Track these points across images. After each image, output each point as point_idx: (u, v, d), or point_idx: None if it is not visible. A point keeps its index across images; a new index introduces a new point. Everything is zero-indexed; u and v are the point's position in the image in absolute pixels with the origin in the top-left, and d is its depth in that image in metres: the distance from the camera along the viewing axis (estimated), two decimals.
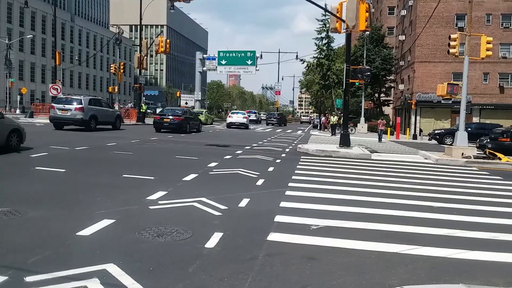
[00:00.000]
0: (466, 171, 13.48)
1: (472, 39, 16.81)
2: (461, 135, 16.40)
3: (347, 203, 7.38)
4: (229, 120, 39.64)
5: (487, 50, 16.17)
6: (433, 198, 8.30)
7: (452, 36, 16.53)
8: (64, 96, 25.34)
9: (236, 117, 39.54)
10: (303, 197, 7.76)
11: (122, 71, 41.39)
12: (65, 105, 21.80)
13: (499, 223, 6.57)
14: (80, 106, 21.73)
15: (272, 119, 55.46)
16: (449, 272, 4.44)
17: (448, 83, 17.14)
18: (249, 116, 47.93)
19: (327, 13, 15.87)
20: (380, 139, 27.88)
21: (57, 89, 34.18)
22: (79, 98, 22.99)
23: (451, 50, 16.29)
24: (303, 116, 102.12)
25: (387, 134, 33.53)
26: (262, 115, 67.49)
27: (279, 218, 6.17)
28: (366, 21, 15.23)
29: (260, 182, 9.13)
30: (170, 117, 25.19)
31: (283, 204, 7.09)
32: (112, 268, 3.95)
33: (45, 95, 72.77)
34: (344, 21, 15.43)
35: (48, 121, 23.50)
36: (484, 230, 6.09)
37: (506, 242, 5.63)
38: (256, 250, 4.77)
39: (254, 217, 6.30)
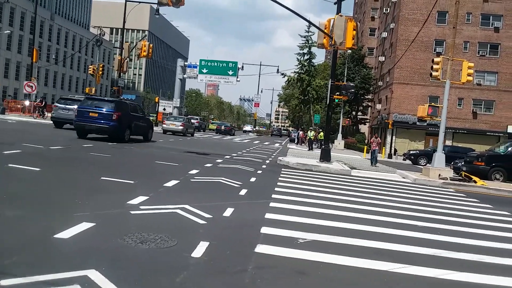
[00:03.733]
0: (443, 192, 13.63)
1: (446, 65, 17.13)
2: (439, 157, 16.66)
3: (333, 218, 7.27)
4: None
5: (468, 75, 16.57)
6: (416, 217, 8.30)
7: (435, 59, 16.88)
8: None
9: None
10: (288, 209, 7.62)
11: (100, 72, 40.65)
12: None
13: (483, 245, 6.57)
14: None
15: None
16: None
17: (429, 105, 17.46)
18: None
19: (315, 29, 15.96)
20: (374, 162, 22.30)
21: (31, 86, 33.28)
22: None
23: (434, 73, 16.62)
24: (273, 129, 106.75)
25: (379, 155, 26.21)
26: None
27: (265, 230, 6.00)
28: (353, 39, 15.38)
29: (243, 192, 8.95)
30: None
31: (268, 215, 6.93)
32: (94, 275, 3.69)
33: (18, 92, 70.80)
34: (331, 38, 15.55)
35: (17, 118, 22.91)
36: (469, 251, 6.07)
37: (494, 265, 5.61)
38: (244, 261, 4.59)
39: (239, 227, 6.12)
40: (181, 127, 33.82)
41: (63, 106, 23.33)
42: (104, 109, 17.29)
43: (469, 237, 7.07)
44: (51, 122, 24.69)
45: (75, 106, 19.32)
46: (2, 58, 73.54)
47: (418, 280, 4.66)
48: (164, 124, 35.43)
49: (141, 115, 20.41)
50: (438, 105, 18.14)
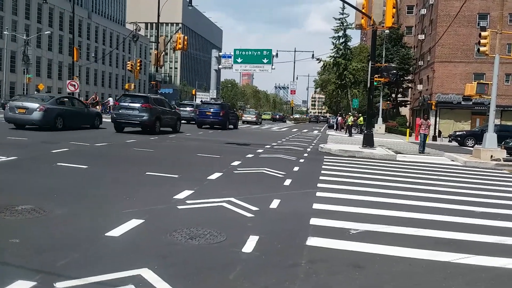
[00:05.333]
0: (497, 174, 12.95)
1: (495, 38, 16.17)
2: (490, 137, 15.85)
3: (383, 206, 6.99)
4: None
5: None
6: (472, 202, 7.87)
7: (483, 34, 15.94)
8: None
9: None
10: (335, 198, 7.39)
11: (138, 68, 41.35)
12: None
13: None
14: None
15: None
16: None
17: (478, 83, 16.57)
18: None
19: (350, 10, 15.41)
20: (422, 149, 18.69)
21: (74, 85, 34.27)
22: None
23: (482, 49, 15.73)
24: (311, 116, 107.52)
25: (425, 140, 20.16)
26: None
27: (314, 221, 5.80)
28: (393, 17, 14.75)
29: (287, 182, 8.78)
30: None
31: (316, 206, 6.73)
32: (147, 274, 3.63)
33: (62, 92, 73.38)
34: (370, 17, 14.99)
35: None
36: None
37: None
38: (297, 256, 4.42)
39: (287, 219, 5.95)
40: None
41: (126, 104, 19.34)
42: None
43: None
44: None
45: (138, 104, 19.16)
46: (45, 58, 76.32)
47: (484, 270, 4.36)
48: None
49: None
50: (486, 82, 17.19)
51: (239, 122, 36.30)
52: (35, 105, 16.77)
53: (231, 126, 29.40)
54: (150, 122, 18.85)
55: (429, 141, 33.62)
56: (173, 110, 22.87)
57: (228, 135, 23.26)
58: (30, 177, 7.66)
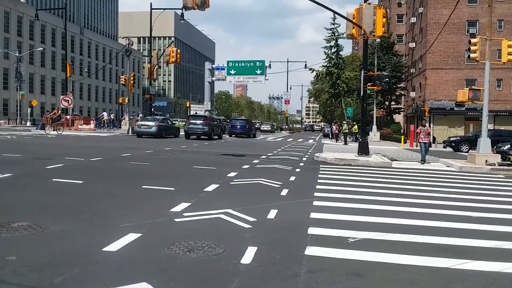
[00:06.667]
0: (492, 179, 13.02)
1: (485, 45, 16.34)
2: (484, 142, 15.95)
3: (381, 214, 7.00)
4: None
5: (509, 54, 15.76)
6: (468, 208, 7.90)
7: (473, 40, 16.14)
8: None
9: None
10: (333, 207, 7.39)
11: (132, 82, 41.34)
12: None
13: None
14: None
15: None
16: None
17: (469, 89, 16.72)
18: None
19: (341, 20, 15.53)
20: (423, 158, 16.85)
21: (68, 100, 34.22)
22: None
23: (472, 55, 15.90)
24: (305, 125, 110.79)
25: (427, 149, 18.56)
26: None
27: (312, 230, 5.80)
28: (383, 26, 14.92)
29: (284, 192, 8.78)
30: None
31: (313, 215, 6.73)
32: None
33: (55, 108, 73.19)
34: (361, 27, 15.13)
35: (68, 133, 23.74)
36: None
37: None
38: (296, 266, 4.41)
39: (285, 229, 5.94)
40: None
41: (193, 121, 30.37)
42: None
43: None
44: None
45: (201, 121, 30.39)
46: (38, 75, 76.20)
47: (483, 275, 4.36)
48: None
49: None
50: (478, 87, 17.34)
51: (257, 132, 46.09)
52: (152, 123, 28.32)
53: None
54: (209, 132, 29.65)
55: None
56: (219, 124, 34.83)
57: (222, 146, 23.27)
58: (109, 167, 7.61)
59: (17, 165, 11.30)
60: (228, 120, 53.63)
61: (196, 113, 49.36)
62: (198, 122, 29.59)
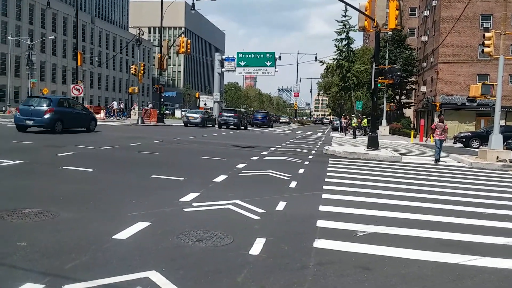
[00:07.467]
0: (504, 175, 12.89)
1: (499, 39, 16.08)
2: (496, 138, 15.77)
3: (390, 208, 6.96)
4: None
5: None
6: (478, 204, 7.82)
7: (487, 35, 15.88)
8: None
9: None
10: (341, 200, 7.37)
11: (142, 72, 41.38)
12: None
13: None
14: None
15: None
16: None
17: (482, 84, 16.48)
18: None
19: (352, 13, 15.39)
20: (438, 156, 15.44)
21: (78, 89, 34.36)
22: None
23: (486, 49, 15.67)
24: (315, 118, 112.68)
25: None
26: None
27: (321, 223, 5.79)
28: (396, 19, 14.74)
29: (293, 184, 8.76)
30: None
31: (322, 208, 6.71)
32: (155, 276, 3.63)
33: (66, 96, 73.68)
34: (373, 19, 14.97)
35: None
36: None
37: None
38: (304, 258, 4.40)
39: (294, 221, 5.93)
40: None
41: (225, 114, 36.17)
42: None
43: None
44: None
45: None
46: (49, 63, 76.67)
47: (493, 272, 4.32)
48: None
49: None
50: (491, 83, 17.11)
51: (274, 123, 56.91)
52: (197, 115, 35.17)
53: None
54: (237, 123, 35.12)
55: (433, 142, 33.48)
56: (246, 116, 40.61)
57: (231, 137, 23.29)
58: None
59: (28, 152, 11.41)
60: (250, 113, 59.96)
61: (205, 104, 57.78)
62: (229, 114, 35.39)
